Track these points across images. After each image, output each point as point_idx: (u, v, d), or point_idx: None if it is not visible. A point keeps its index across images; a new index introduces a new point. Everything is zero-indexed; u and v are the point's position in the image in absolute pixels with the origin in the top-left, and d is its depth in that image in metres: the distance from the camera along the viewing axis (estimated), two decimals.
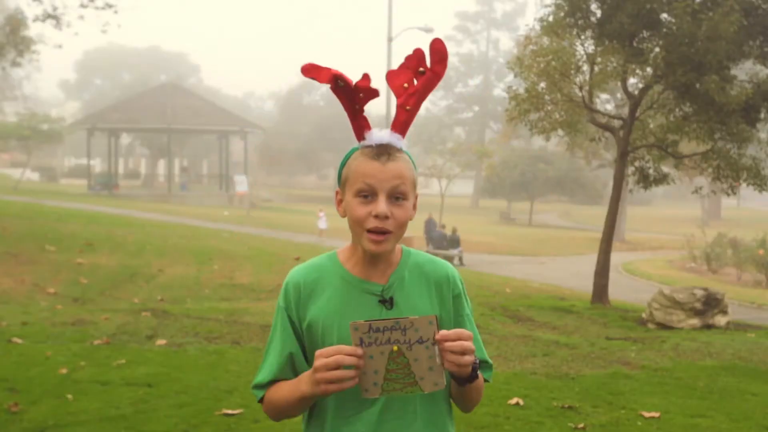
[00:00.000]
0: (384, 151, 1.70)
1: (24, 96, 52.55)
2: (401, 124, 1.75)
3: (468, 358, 1.58)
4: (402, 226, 1.70)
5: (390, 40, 26.50)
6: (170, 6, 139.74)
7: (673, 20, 10.96)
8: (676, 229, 37.04)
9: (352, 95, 1.71)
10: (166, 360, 6.20)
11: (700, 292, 10.05)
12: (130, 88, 58.24)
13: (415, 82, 1.74)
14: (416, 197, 1.79)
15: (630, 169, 12.57)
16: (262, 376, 1.77)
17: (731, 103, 10.60)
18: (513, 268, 20.87)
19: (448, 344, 1.56)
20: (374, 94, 1.71)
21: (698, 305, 9.88)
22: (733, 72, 11.42)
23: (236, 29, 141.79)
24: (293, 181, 65.24)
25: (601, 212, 19.31)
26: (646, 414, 5.01)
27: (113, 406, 4.84)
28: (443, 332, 1.57)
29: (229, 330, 7.80)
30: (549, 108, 12.45)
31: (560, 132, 13.25)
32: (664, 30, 11.22)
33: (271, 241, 20.08)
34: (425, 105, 67.42)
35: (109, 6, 17.92)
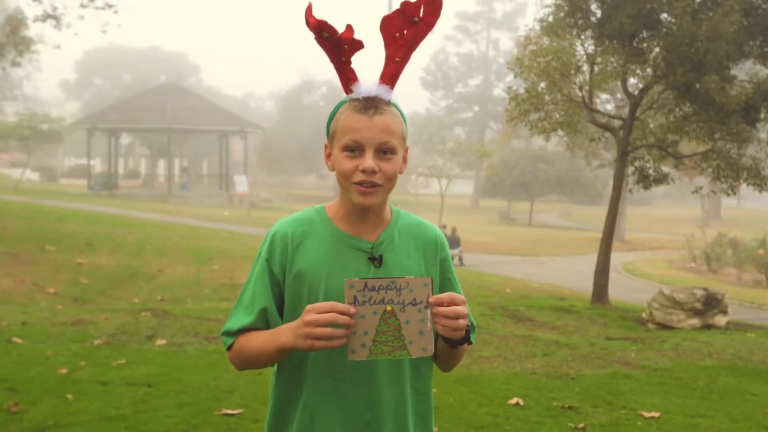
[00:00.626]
0: (371, 105, 1.67)
1: (24, 96, 52.53)
2: (390, 76, 1.72)
3: (462, 322, 1.57)
4: (390, 179, 1.68)
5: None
6: (170, 6, 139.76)
7: (673, 20, 10.96)
8: (676, 229, 37.04)
9: (338, 47, 1.70)
10: (166, 360, 6.20)
11: (700, 292, 10.05)
12: (130, 88, 58.23)
13: (405, 32, 1.71)
14: (406, 150, 1.76)
15: (630, 169, 12.57)
16: (233, 323, 1.74)
17: (731, 103, 10.60)
18: (513, 268, 20.87)
19: (442, 309, 1.55)
20: (359, 45, 1.69)
21: (698, 305, 9.88)
22: (733, 72, 11.43)
23: (236, 29, 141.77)
24: (293, 181, 65.23)
25: (601, 212, 19.33)
26: (646, 414, 5.01)
27: (113, 406, 4.84)
28: (437, 296, 1.57)
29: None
30: (549, 108, 12.45)
31: (560, 132, 13.25)
32: (664, 30, 11.22)
33: None
34: (425, 105, 67.30)
35: (109, 6, 17.92)
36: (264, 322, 1.72)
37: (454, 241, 22.13)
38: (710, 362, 6.92)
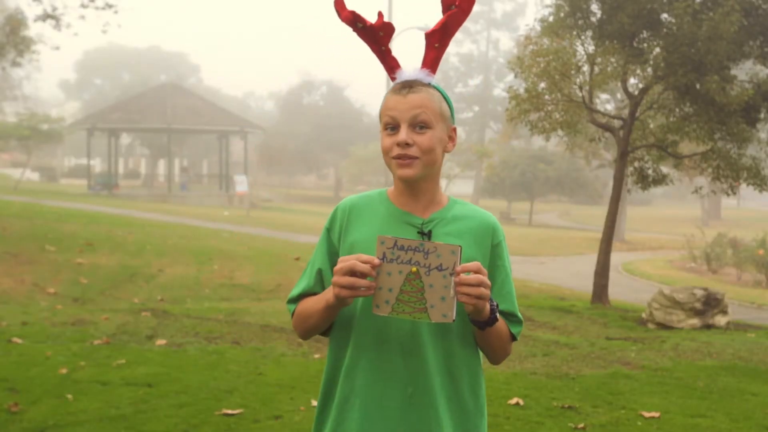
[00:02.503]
0: (407, 85, 1.77)
1: (24, 96, 52.54)
2: (431, 61, 1.82)
3: (484, 291, 1.61)
4: (427, 152, 1.76)
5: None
6: (170, 6, 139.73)
7: (674, 20, 10.96)
8: (676, 229, 37.03)
9: (374, 36, 1.78)
10: (166, 360, 6.20)
11: (700, 292, 10.05)
12: (130, 88, 58.19)
13: (443, 18, 1.79)
14: (453, 130, 1.85)
15: (629, 170, 12.57)
16: (294, 290, 1.85)
17: (731, 103, 10.60)
18: (513, 268, 20.80)
19: (464, 276, 1.60)
20: (391, 29, 1.78)
21: (698, 305, 9.88)
22: (733, 72, 11.42)
23: (236, 29, 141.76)
24: (293, 181, 65.22)
25: (601, 212, 19.29)
26: (646, 414, 5.01)
27: (113, 406, 4.84)
28: (464, 264, 1.61)
29: (229, 330, 7.80)
30: (549, 108, 12.44)
31: (560, 132, 13.24)
32: (665, 30, 11.21)
33: (271, 241, 20.07)
34: None
35: (109, 6, 17.90)
36: (320, 285, 1.82)
37: None
38: (710, 362, 6.92)
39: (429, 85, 1.78)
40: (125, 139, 56.53)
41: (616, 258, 18.39)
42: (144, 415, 4.66)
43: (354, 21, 1.75)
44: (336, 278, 1.61)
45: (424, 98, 1.75)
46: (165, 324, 7.99)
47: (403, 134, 1.73)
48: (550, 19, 11.94)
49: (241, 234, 21.10)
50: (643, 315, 10.38)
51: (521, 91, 12.22)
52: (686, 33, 10.55)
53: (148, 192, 39.65)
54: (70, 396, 4.98)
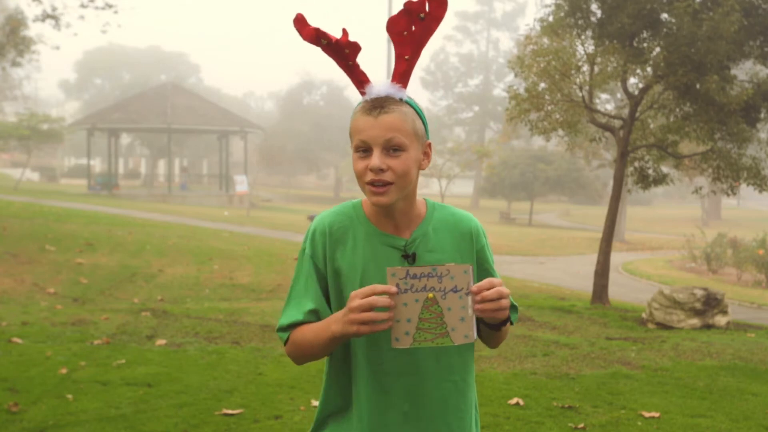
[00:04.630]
0: (378, 105, 1.68)
1: (24, 96, 52.55)
2: (401, 74, 1.74)
3: (504, 302, 1.61)
4: (403, 176, 1.69)
5: (390, 39, 26.53)
6: (170, 6, 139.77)
7: (674, 20, 10.96)
8: (676, 229, 37.04)
9: (341, 52, 1.71)
10: (166, 360, 6.20)
11: (700, 292, 10.04)
12: (130, 88, 58.22)
13: (414, 29, 1.71)
14: (428, 146, 1.77)
15: (629, 169, 12.57)
16: (285, 318, 1.77)
17: (731, 103, 10.60)
18: (513, 268, 20.87)
19: (485, 293, 1.58)
20: (357, 48, 1.71)
21: (698, 305, 9.88)
22: (733, 72, 11.42)
23: (236, 29, 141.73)
24: (293, 181, 65.25)
25: (601, 212, 19.32)
26: (646, 414, 5.01)
27: (113, 406, 4.84)
28: (478, 284, 1.60)
29: (229, 330, 7.80)
30: (549, 108, 12.44)
31: (560, 132, 13.24)
32: (665, 30, 11.21)
33: (271, 241, 20.08)
34: (425, 104, 67.25)
35: (109, 6, 17.92)
36: (316, 318, 1.76)
37: None
38: (710, 362, 6.92)
39: (401, 101, 1.70)
40: (125, 139, 56.53)
41: (616, 258, 18.41)
42: (144, 415, 4.66)
43: (318, 38, 1.68)
44: (354, 316, 1.56)
45: (396, 119, 1.67)
46: (165, 324, 7.99)
47: (376, 160, 1.65)
48: (550, 18, 11.94)
49: (241, 234, 21.11)
50: (643, 315, 10.38)
51: (521, 90, 12.22)
52: (686, 33, 10.55)
53: (148, 192, 39.66)
54: (70, 396, 4.98)
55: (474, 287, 1.58)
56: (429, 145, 1.77)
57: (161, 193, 38.89)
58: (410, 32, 1.71)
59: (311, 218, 14.61)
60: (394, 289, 1.56)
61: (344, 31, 1.71)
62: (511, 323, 1.83)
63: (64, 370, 5.66)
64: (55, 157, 68.46)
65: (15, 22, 20.44)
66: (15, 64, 22.27)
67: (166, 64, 66.71)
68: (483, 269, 1.83)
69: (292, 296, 1.79)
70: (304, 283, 1.78)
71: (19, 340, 6.74)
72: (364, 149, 1.68)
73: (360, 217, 1.78)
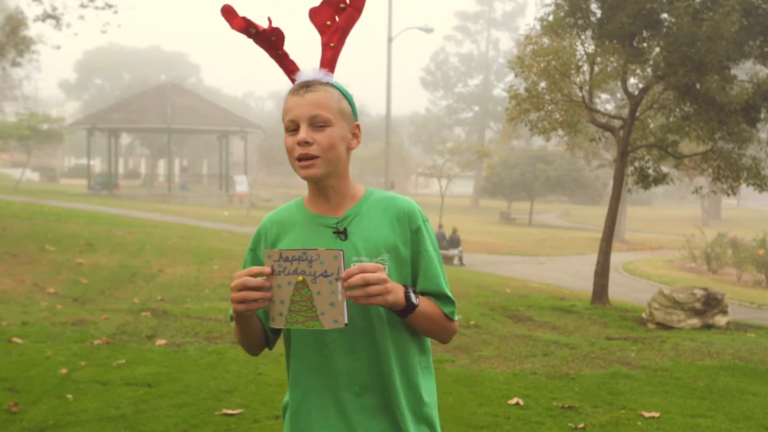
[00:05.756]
0: (304, 85, 1.79)
1: (24, 96, 52.56)
2: (328, 61, 1.83)
3: (370, 289, 1.61)
4: (328, 150, 1.76)
5: (390, 40, 26.49)
6: (170, 6, 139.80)
7: (674, 20, 10.96)
8: (676, 229, 37.03)
9: (269, 41, 1.81)
10: (166, 360, 6.20)
11: (700, 292, 10.04)
12: (130, 88, 58.20)
13: (337, 18, 1.81)
14: (356, 126, 1.85)
15: (630, 169, 12.57)
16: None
17: (732, 103, 10.60)
18: (513, 268, 20.86)
19: (350, 280, 1.60)
20: (280, 34, 1.80)
21: (698, 305, 9.88)
22: (733, 72, 11.42)
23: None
24: (293, 181, 65.18)
25: (601, 212, 19.32)
26: (646, 414, 5.01)
27: (113, 406, 4.84)
28: (348, 269, 1.62)
29: (229, 330, 7.80)
30: (549, 108, 12.44)
31: (560, 132, 13.24)
32: (665, 30, 11.21)
33: None
34: (425, 105, 67.28)
35: (109, 6, 17.92)
36: None
37: (455, 241, 22.12)
38: (710, 362, 6.92)
39: (328, 84, 1.79)
40: (125, 139, 56.52)
41: (616, 258, 18.40)
42: (144, 415, 4.66)
43: (247, 28, 1.77)
44: (232, 294, 1.64)
45: (321, 97, 1.76)
46: (165, 324, 7.99)
47: (303, 133, 1.74)
48: (550, 18, 11.94)
49: (241, 234, 21.11)
50: (643, 315, 10.38)
51: (521, 90, 12.22)
52: (686, 33, 10.55)
53: (148, 192, 39.66)
54: (70, 396, 4.98)
55: (343, 273, 1.60)
56: (357, 126, 1.85)
57: (161, 193, 38.89)
58: (334, 22, 1.81)
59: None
60: (267, 269, 1.63)
61: (269, 20, 1.80)
62: (450, 318, 1.82)
63: (64, 370, 5.66)
64: (55, 157, 68.46)
65: (15, 22, 20.44)
66: (15, 64, 22.27)
67: (166, 64, 66.71)
68: (418, 251, 1.83)
69: None
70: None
71: (19, 340, 6.74)
72: (293, 129, 1.77)
73: (299, 208, 1.87)
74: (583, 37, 11.97)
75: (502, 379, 5.92)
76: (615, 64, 11.58)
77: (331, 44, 1.82)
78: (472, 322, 9.18)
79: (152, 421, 4.56)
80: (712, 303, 9.98)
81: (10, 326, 7.49)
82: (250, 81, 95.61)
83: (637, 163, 12.54)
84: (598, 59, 11.74)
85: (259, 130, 42.40)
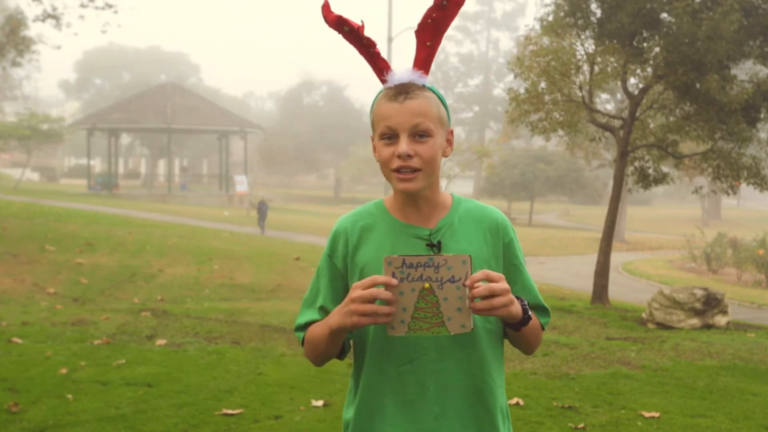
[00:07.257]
0: (402, 91, 1.68)
1: (24, 96, 52.57)
2: (422, 61, 1.74)
3: (498, 300, 1.55)
4: (430, 162, 1.68)
5: (390, 40, 26.51)
6: (170, 6, 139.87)
7: (673, 20, 10.96)
8: (676, 229, 37.02)
9: (361, 39, 1.73)
10: (166, 360, 6.20)
11: (700, 292, 10.04)
12: (130, 88, 58.20)
13: (435, 16, 1.74)
14: (450, 132, 1.77)
15: (630, 169, 12.57)
16: (300, 318, 1.79)
17: (732, 102, 10.60)
18: None
19: (474, 291, 1.54)
20: (372, 42, 1.73)
21: (698, 305, 9.88)
22: (733, 72, 11.42)
23: (236, 29, 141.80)
24: (293, 181, 65.23)
25: (601, 212, 19.31)
26: (646, 414, 5.01)
27: (113, 406, 4.84)
28: (473, 276, 1.56)
29: (229, 330, 7.80)
30: (549, 108, 12.44)
31: (560, 132, 13.24)
32: (665, 30, 11.21)
33: (271, 241, 20.09)
34: None
35: (109, 6, 17.92)
36: (326, 315, 1.74)
37: None
38: (710, 362, 6.92)
39: (424, 87, 1.70)
40: (125, 139, 56.51)
41: (616, 258, 18.39)
42: (144, 415, 4.66)
43: (340, 24, 1.71)
44: (356, 306, 1.54)
45: (422, 105, 1.66)
46: (165, 324, 7.99)
47: (404, 146, 1.64)
48: (550, 18, 11.93)
49: (241, 234, 21.11)
50: (643, 315, 10.38)
51: (521, 91, 12.22)
52: (686, 32, 10.55)
53: (148, 192, 39.66)
54: (70, 396, 4.98)
55: (467, 281, 1.55)
56: (451, 132, 1.78)
57: (161, 193, 38.89)
58: (432, 18, 1.73)
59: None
60: (395, 281, 1.54)
61: (362, 23, 1.74)
62: (542, 327, 1.81)
63: (64, 370, 5.66)
64: (55, 157, 68.45)
65: (15, 22, 20.44)
66: (15, 64, 22.28)
67: (166, 64, 66.70)
68: (512, 265, 1.80)
69: (307, 296, 1.81)
70: (316, 281, 1.79)
71: (19, 340, 6.74)
72: (389, 136, 1.67)
73: (382, 212, 1.77)
74: (583, 37, 11.97)
75: None
76: (615, 64, 11.58)
77: (427, 43, 1.73)
78: None
79: (152, 421, 4.56)
80: (712, 303, 9.98)
81: (10, 326, 7.49)
82: (250, 81, 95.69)
83: (637, 163, 12.53)
84: (598, 59, 11.73)
85: (259, 130, 42.39)
